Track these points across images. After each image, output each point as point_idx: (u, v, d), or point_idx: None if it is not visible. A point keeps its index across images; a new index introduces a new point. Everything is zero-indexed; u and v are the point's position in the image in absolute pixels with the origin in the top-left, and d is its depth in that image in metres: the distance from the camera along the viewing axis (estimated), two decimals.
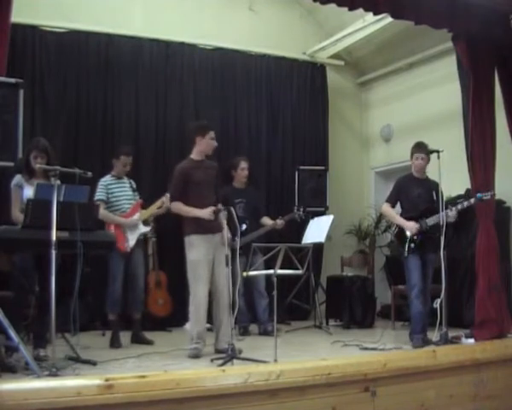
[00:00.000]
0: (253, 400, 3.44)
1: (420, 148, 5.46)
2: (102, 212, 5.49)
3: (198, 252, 4.90)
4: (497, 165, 5.41)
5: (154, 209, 5.74)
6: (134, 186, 5.80)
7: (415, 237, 5.32)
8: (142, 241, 5.81)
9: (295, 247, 4.81)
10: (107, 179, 5.66)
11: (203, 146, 5.09)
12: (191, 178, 5.01)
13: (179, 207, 5.04)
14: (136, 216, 5.66)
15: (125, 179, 5.78)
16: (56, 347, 4.02)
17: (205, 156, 5.16)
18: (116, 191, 5.65)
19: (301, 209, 6.59)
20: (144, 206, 5.80)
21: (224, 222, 4.81)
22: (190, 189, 5.00)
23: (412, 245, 5.34)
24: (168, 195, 5.55)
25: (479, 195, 5.17)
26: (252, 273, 4.88)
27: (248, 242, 5.73)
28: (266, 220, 6.50)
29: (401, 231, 5.44)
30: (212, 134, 5.10)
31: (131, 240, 5.58)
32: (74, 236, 4.14)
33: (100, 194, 5.57)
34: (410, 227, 5.33)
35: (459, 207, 5.25)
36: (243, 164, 6.45)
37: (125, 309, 5.90)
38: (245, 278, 5.57)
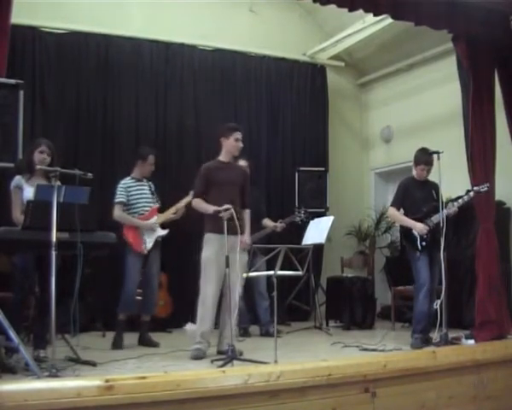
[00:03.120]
0: (253, 401, 3.44)
1: (426, 159, 5.42)
2: (120, 214, 5.54)
3: (210, 251, 4.93)
4: (497, 165, 5.42)
5: (169, 214, 5.76)
6: (153, 189, 5.81)
7: (425, 236, 5.34)
8: (160, 243, 5.78)
9: (295, 248, 4.81)
10: (127, 182, 5.68)
11: (228, 147, 5.15)
12: (214, 178, 5.06)
13: (198, 204, 5.09)
14: (154, 219, 5.66)
15: (145, 182, 5.78)
16: (56, 348, 4.02)
17: (233, 159, 5.22)
18: (136, 193, 5.66)
19: (302, 211, 6.59)
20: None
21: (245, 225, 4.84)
22: (212, 188, 5.05)
23: (424, 243, 5.35)
24: (183, 201, 5.70)
25: (475, 187, 5.20)
26: (252, 274, 4.87)
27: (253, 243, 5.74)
28: (267, 222, 6.50)
29: (408, 232, 5.44)
30: (236, 135, 5.13)
31: (149, 242, 5.59)
32: (74, 237, 4.14)
33: (120, 196, 5.59)
34: (421, 229, 5.34)
35: (460, 201, 5.27)
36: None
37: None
38: (246, 280, 5.57)
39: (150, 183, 5.82)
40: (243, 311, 6.05)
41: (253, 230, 6.28)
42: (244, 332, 6.26)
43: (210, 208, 4.95)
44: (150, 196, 5.75)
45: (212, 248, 4.93)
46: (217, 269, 4.90)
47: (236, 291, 4.78)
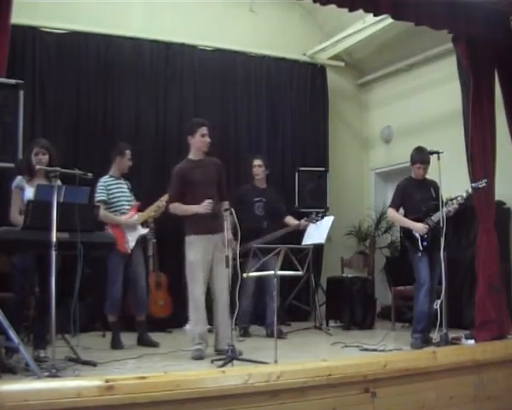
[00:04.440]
0: (253, 401, 3.45)
1: (422, 157, 5.45)
2: (102, 212, 5.49)
3: (196, 252, 4.90)
4: (497, 165, 5.41)
5: (150, 213, 5.75)
6: (130, 187, 5.81)
7: (426, 236, 5.35)
8: (142, 242, 5.80)
9: (295, 248, 4.81)
10: (106, 180, 5.65)
11: (195, 144, 5.08)
12: (188, 178, 5.01)
13: (176, 207, 5.05)
14: (136, 217, 5.66)
15: (122, 180, 5.78)
16: (56, 348, 4.02)
17: (203, 155, 5.14)
18: (116, 192, 5.65)
19: (320, 215, 6.39)
20: (142, 207, 5.79)
21: (226, 223, 4.77)
22: (188, 189, 5.00)
23: (425, 243, 5.36)
24: (163, 199, 5.62)
25: (473, 185, 5.20)
26: (252, 275, 4.85)
27: (268, 242, 5.75)
28: (290, 220, 6.42)
29: (409, 232, 5.44)
30: (202, 130, 5.05)
31: (131, 241, 5.57)
32: (74, 237, 4.14)
33: (100, 194, 5.55)
34: (420, 229, 5.35)
35: (459, 199, 5.27)
36: (255, 162, 6.46)
37: (126, 310, 5.90)
38: (257, 280, 5.58)
39: (127, 181, 5.82)
40: (247, 311, 6.05)
41: (272, 230, 6.25)
42: (244, 332, 6.25)
43: (191, 209, 4.93)
44: (129, 194, 5.76)
45: (198, 250, 4.90)
46: (204, 270, 4.90)
47: (227, 290, 4.76)
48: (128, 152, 5.76)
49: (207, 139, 5.07)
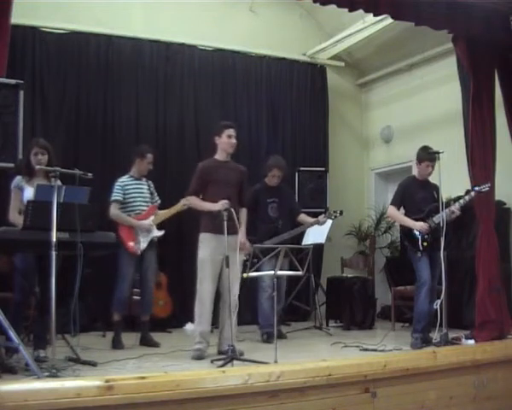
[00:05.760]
0: (253, 401, 3.45)
1: (430, 156, 5.41)
2: (115, 212, 5.52)
3: (206, 251, 4.94)
4: (497, 165, 5.41)
5: (172, 212, 5.76)
6: (152, 188, 5.80)
7: (426, 236, 5.34)
8: (155, 244, 5.77)
9: (295, 248, 4.81)
10: (124, 180, 5.66)
11: (221, 145, 5.15)
12: (210, 176, 5.08)
13: (193, 202, 5.13)
14: (150, 220, 5.65)
15: (144, 181, 5.77)
16: (56, 348, 4.03)
17: (229, 157, 5.20)
18: (133, 192, 5.65)
19: (337, 213, 6.28)
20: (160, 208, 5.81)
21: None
22: (208, 186, 5.06)
23: (425, 244, 5.35)
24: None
25: (476, 187, 5.20)
26: (252, 275, 4.85)
27: (281, 241, 5.74)
28: (304, 218, 6.31)
29: (409, 232, 5.44)
30: (228, 132, 5.12)
31: (143, 242, 5.57)
32: (74, 237, 4.14)
33: (116, 194, 5.57)
34: (421, 226, 5.34)
35: (461, 202, 5.28)
36: (274, 171, 6.29)
37: (130, 311, 5.89)
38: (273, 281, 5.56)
39: (150, 182, 5.82)
40: (265, 312, 5.89)
41: (287, 229, 6.21)
42: (267, 337, 5.84)
43: (206, 206, 4.98)
44: (148, 195, 5.74)
45: (207, 248, 4.94)
46: (212, 269, 4.91)
47: (235, 291, 4.77)
48: (149, 156, 5.75)
49: (233, 141, 5.14)
